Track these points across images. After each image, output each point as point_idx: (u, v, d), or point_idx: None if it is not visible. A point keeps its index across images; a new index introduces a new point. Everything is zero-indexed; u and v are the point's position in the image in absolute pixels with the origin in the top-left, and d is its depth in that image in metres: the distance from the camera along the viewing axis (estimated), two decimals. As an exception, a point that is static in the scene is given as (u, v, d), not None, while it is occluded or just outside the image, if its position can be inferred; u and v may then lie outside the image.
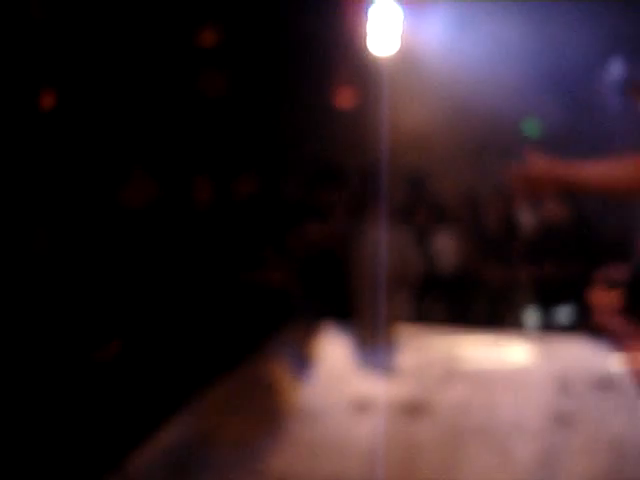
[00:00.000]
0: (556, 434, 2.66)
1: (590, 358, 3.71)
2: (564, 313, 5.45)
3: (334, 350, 3.82)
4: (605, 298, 4.83)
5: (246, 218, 5.14)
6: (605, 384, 3.27)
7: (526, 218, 6.16)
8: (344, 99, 13.31)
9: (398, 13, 10.61)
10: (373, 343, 3.97)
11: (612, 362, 3.61)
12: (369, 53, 10.82)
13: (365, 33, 10.86)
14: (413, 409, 2.92)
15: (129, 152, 4.81)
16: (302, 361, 3.45)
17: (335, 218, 5.35)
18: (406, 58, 11.13)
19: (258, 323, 4.16)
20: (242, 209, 5.27)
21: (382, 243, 5.22)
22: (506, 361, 3.66)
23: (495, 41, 10.68)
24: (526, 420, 2.80)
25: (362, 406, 2.95)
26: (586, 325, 5.09)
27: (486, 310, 5.87)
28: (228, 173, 5.53)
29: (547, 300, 5.62)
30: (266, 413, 2.88)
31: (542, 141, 12.22)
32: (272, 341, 3.95)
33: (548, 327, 5.39)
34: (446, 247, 5.88)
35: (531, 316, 5.88)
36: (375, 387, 3.20)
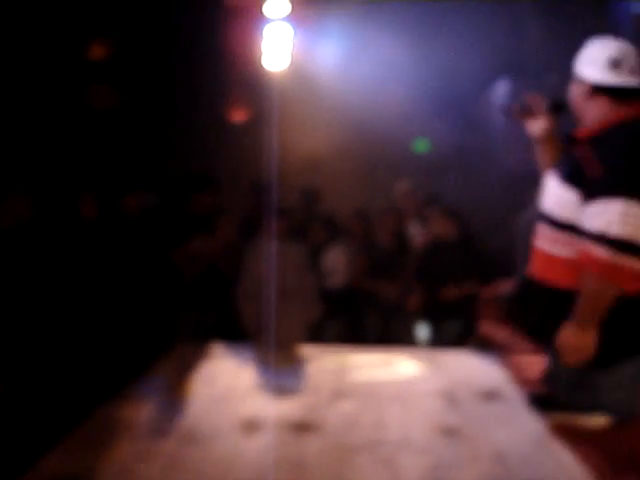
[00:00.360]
0: (443, 447, 2.68)
1: (477, 371, 3.79)
2: (453, 328, 5.55)
3: (224, 370, 3.76)
4: (491, 311, 4.98)
5: (134, 234, 5.00)
6: (491, 396, 3.33)
7: (415, 235, 6.27)
8: (237, 114, 13.26)
9: (290, 31, 10.68)
10: (264, 362, 3.94)
11: (498, 374, 3.71)
12: (263, 69, 10.83)
13: (258, 49, 10.87)
14: (302, 427, 2.89)
15: (5, 169, 4.60)
16: (177, 393, 3.36)
17: (223, 233, 5.26)
18: (298, 75, 11.20)
19: (141, 347, 4.05)
20: (131, 225, 5.13)
21: (274, 259, 5.18)
22: (396, 377, 3.68)
23: (386, 62, 10.90)
24: (414, 434, 2.81)
25: (252, 426, 2.90)
26: (474, 338, 5.23)
27: (377, 326, 5.92)
28: (116, 188, 5.39)
29: (436, 315, 5.71)
30: (149, 440, 2.77)
31: (431, 159, 12.55)
32: (156, 365, 3.85)
33: (437, 342, 5.48)
34: (338, 263, 5.90)
35: (421, 331, 5.97)
36: (265, 407, 3.16)
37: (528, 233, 5.48)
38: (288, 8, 10.88)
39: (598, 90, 2.65)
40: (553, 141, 2.91)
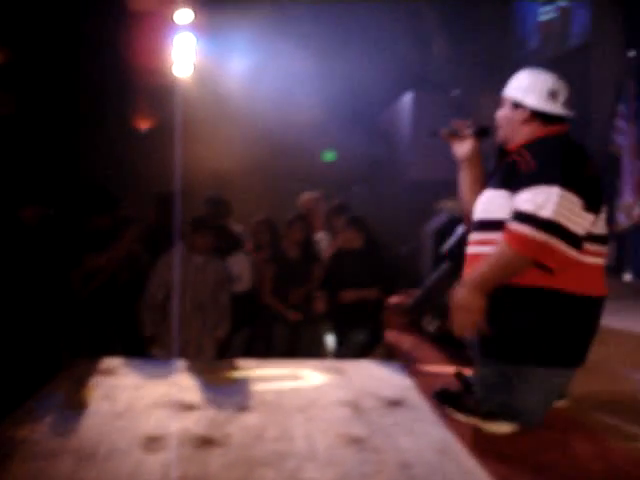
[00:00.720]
0: (349, 458, 2.66)
1: (382, 381, 3.80)
2: (359, 338, 5.57)
3: (124, 386, 3.63)
4: (397, 320, 5.01)
5: (32, 248, 4.82)
6: (396, 405, 3.34)
7: (324, 244, 6.28)
8: (143, 123, 13.02)
9: (195, 39, 10.58)
10: (170, 378, 3.84)
11: (403, 383, 3.72)
12: (169, 77, 10.67)
13: (164, 57, 10.71)
14: (206, 442, 2.81)
15: None
16: (74, 410, 3.23)
17: (125, 245, 5.13)
18: (205, 84, 11.08)
19: (36, 364, 3.89)
20: (29, 237, 4.94)
21: (180, 271, 5.09)
22: (301, 388, 3.64)
23: (294, 73, 10.92)
24: (319, 446, 2.77)
25: (153, 442, 2.80)
26: (380, 347, 5.26)
27: (284, 337, 5.89)
28: (13, 199, 5.18)
29: (342, 325, 5.73)
30: (45, 460, 2.64)
31: (339, 170, 12.63)
32: (53, 383, 3.70)
33: (344, 353, 5.48)
34: (242, 270, 5.85)
35: (328, 342, 5.98)
36: (167, 422, 3.06)
37: (434, 242, 5.58)
38: (192, 16, 10.79)
39: (535, 115, 2.97)
40: (477, 162, 3.21)
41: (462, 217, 5.59)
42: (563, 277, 2.70)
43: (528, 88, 3.00)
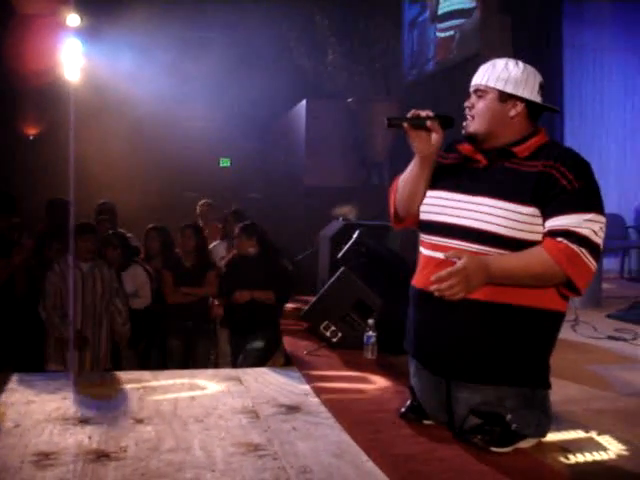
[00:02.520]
0: (248, 465, 2.65)
1: (280, 387, 3.80)
2: (257, 345, 5.55)
3: (15, 402, 3.49)
4: (294, 325, 5.01)
5: None
6: (294, 410, 3.35)
7: (220, 252, 6.25)
8: (31, 128, 12.59)
9: (83, 43, 10.34)
10: (63, 392, 3.72)
11: (301, 389, 3.74)
12: (57, 81, 10.36)
13: (53, 60, 10.39)
14: (100, 455, 2.74)
15: None
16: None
17: (19, 254, 4.95)
18: (96, 89, 10.83)
19: None
20: None
21: (81, 280, 4.96)
22: (198, 398, 3.60)
23: (191, 80, 10.82)
24: (218, 454, 2.76)
25: (47, 458, 2.71)
26: (278, 353, 5.27)
27: (181, 348, 5.84)
28: None
29: (240, 333, 5.70)
30: None
31: (234, 174, 12.59)
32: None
33: (242, 360, 5.46)
34: (140, 284, 5.74)
35: (225, 351, 5.95)
36: (61, 438, 2.97)
37: (330, 248, 5.64)
38: (79, 21, 10.54)
39: (528, 110, 2.79)
40: (434, 158, 2.90)
41: (356, 223, 5.70)
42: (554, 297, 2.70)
43: (521, 79, 2.76)
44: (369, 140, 10.20)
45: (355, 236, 4.80)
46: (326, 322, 4.61)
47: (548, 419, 2.82)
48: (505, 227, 2.63)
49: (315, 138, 10.60)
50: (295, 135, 11.38)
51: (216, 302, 5.89)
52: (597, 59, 8.98)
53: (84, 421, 3.17)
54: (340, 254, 4.84)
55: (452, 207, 2.80)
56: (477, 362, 2.74)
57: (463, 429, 2.80)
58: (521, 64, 2.81)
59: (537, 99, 2.79)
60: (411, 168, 2.94)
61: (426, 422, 3.02)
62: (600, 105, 9.10)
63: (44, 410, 3.36)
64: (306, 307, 5.05)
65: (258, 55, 11.25)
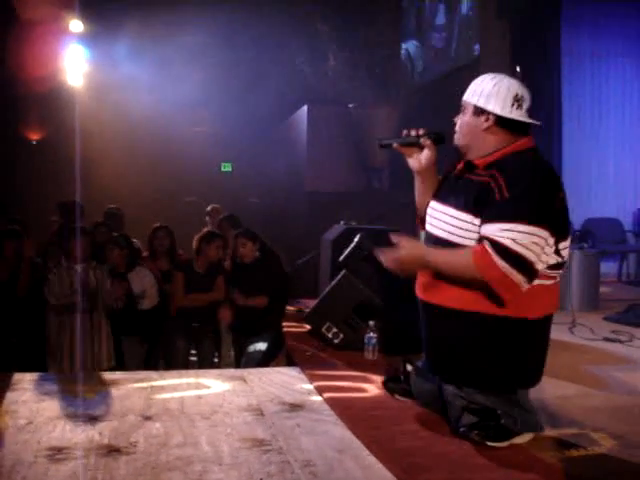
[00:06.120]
0: (253, 459, 2.75)
1: (284, 386, 3.90)
2: (260, 347, 5.65)
3: (26, 401, 3.59)
4: (297, 328, 5.12)
5: None
6: (298, 408, 3.46)
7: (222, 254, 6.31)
8: (35, 133, 12.69)
9: (85, 48, 10.45)
10: (72, 390, 3.82)
11: (304, 388, 3.84)
12: (61, 87, 10.47)
13: (56, 65, 10.50)
14: (112, 450, 2.84)
15: None
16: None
17: (25, 254, 5.05)
18: (98, 93, 10.93)
19: None
20: None
21: (67, 281, 5.04)
22: (205, 396, 3.70)
23: (191, 84, 10.93)
24: (224, 449, 2.86)
25: (59, 453, 2.81)
26: (281, 355, 5.37)
27: (187, 349, 5.91)
28: None
29: (244, 335, 5.79)
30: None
31: (233, 178, 12.70)
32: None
33: (246, 362, 5.55)
34: (147, 285, 5.82)
35: (229, 353, 6.04)
36: (72, 434, 3.06)
37: (332, 252, 5.74)
38: (82, 27, 10.66)
39: (500, 122, 2.87)
40: (434, 171, 3.13)
41: (357, 227, 5.80)
42: (533, 306, 2.82)
43: (491, 93, 2.87)
44: (369, 145, 10.31)
45: (356, 240, 4.89)
46: (328, 324, 4.71)
47: (531, 414, 2.94)
48: (448, 232, 2.87)
49: (316, 143, 10.72)
50: (296, 140, 11.49)
51: (224, 308, 5.90)
52: (595, 65, 9.09)
53: (94, 418, 3.27)
54: (341, 257, 4.93)
55: (429, 215, 3.05)
56: (457, 366, 2.93)
57: (459, 425, 2.92)
58: (497, 77, 2.91)
59: (509, 111, 2.85)
60: (415, 182, 3.19)
61: (399, 398, 3.43)
62: (599, 111, 9.21)
63: (55, 408, 3.46)
64: (308, 310, 5.14)
65: (260, 61, 11.35)
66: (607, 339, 5.22)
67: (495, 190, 2.72)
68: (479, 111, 2.89)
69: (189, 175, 12.82)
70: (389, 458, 2.73)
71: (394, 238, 2.89)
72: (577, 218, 8.18)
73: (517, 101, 2.86)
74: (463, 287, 2.81)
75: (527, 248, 2.64)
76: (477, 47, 9.02)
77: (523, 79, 8.01)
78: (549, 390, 3.70)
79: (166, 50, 11.05)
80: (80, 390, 3.81)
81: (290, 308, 5.95)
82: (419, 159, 3.11)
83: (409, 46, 11.20)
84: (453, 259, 2.80)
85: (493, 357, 2.85)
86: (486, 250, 2.67)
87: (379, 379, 3.85)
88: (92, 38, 11.31)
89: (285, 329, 5.44)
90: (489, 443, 2.82)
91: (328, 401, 3.54)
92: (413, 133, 3.10)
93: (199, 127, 12.89)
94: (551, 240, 2.72)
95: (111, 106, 11.86)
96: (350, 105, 10.68)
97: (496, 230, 2.66)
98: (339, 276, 4.82)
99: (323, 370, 4.20)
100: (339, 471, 2.65)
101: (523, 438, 2.89)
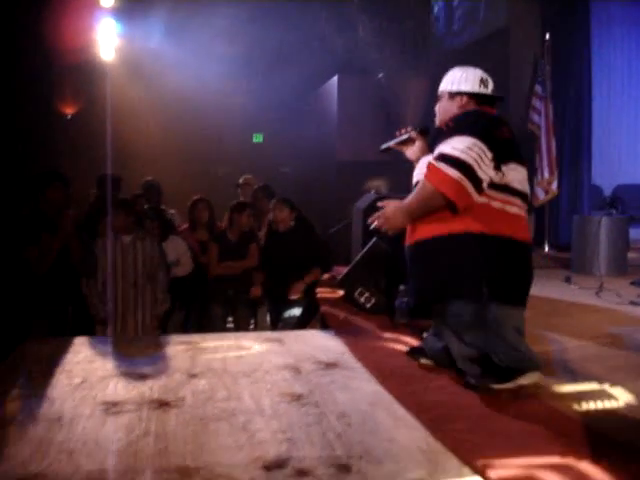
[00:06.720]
0: (292, 411, 2.98)
1: (318, 347, 4.15)
2: (295, 313, 5.87)
3: (79, 361, 3.86)
4: (330, 293, 5.31)
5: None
6: (332, 366, 3.68)
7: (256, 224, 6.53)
8: (70, 107, 12.93)
9: (118, 22, 10.60)
10: (121, 352, 4.08)
11: (337, 349, 4.07)
12: (93, 60, 10.67)
13: (89, 40, 10.69)
14: (161, 405, 3.08)
15: None
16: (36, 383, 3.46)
17: (67, 228, 5.27)
18: (133, 69, 11.12)
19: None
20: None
21: (124, 252, 5.29)
22: (245, 356, 3.94)
23: (220, 58, 11.07)
24: (265, 403, 3.09)
25: (113, 407, 3.06)
26: (315, 320, 5.58)
27: (224, 314, 6.15)
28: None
29: (279, 302, 6.02)
30: (13, 425, 2.87)
31: (265, 148, 12.84)
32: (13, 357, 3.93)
33: (281, 328, 5.79)
34: (181, 253, 6.04)
35: (264, 319, 6.27)
36: (124, 391, 3.32)
37: (363, 220, 5.92)
38: (113, 1, 10.82)
39: (471, 99, 3.42)
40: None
41: (388, 195, 5.96)
42: (491, 223, 3.15)
43: (461, 78, 3.44)
44: (399, 114, 10.41)
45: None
46: (360, 289, 4.91)
47: (519, 352, 3.16)
48: (418, 175, 3.42)
49: (346, 113, 10.85)
50: (327, 111, 11.62)
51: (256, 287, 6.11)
52: (625, 34, 9.07)
53: (144, 377, 3.53)
54: (372, 226, 5.11)
55: (415, 173, 3.56)
56: (433, 285, 3.28)
57: (467, 379, 3.24)
58: (464, 68, 3.50)
59: (477, 90, 3.42)
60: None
61: (423, 361, 3.61)
62: (628, 78, 9.22)
63: (106, 367, 3.73)
64: (341, 276, 5.34)
65: (290, 33, 11.45)
66: (633, 302, 5.34)
67: (444, 128, 3.32)
68: (453, 95, 3.45)
69: (221, 146, 13.01)
70: (417, 410, 2.94)
71: (380, 204, 3.41)
72: (607, 185, 8.26)
73: (483, 82, 3.44)
74: (432, 221, 3.21)
75: (463, 152, 3.08)
76: (506, 14, 9.04)
77: (552, 48, 8.09)
78: (571, 349, 3.89)
79: (197, 24, 11.18)
80: (128, 352, 4.09)
81: (323, 275, 6.15)
82: (413, 150, 3.65)
83: (438, 14, 11.22)
84: (418, 191, 3.26)
85: (463, 268, 3.17)
86: (431, 163, 3.18)
87: (410, 340, 4.06)
88: (124, 12, 11.47)
89: (319, 295, 5.65)
90: (495, 386, 3.12)
91: (361, 360, 3.76)
92: (403, 131, 3.70)
93: (230, 98, 13.03)
94: (489, 154, 3.10)
95: (144, 79, 12.04)
96: (380, 75, 10.77)
97: (440, 147, 3.19)
98: (370, 243, 5.01)
99: (356, 332, 4.42)
100: (371, 422, 2.87)
101: (529, 378, 3.15)
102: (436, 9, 11.28)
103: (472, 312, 3.15)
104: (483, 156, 3.08)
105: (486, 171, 3.10)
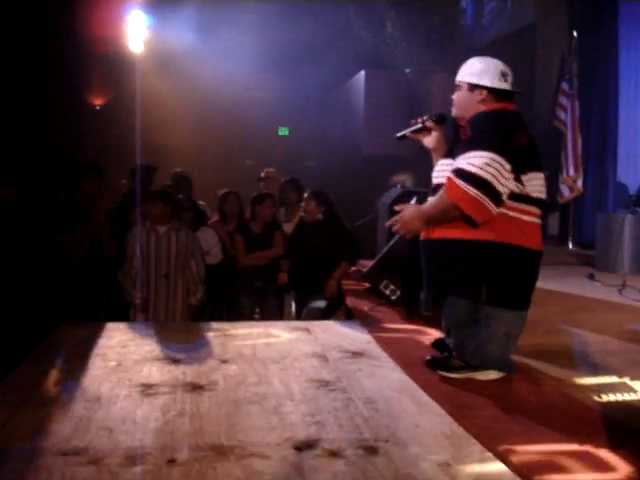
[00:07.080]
0: (320, 396, 3.10)
1: (345, 336, 4.27)
2: (321, 304, 5.98)
3: (114, 345, 4.01)
4: (355, 285, 5.42)
5: (12, 222, 5.11)
6: (358, 355, 3.80)
7: (279, 216, 6.64)
8: (100, 98, 13.11)
9: (147, 15, 10.73)
10: (154, 338, 4.22)
11: (363, 338, 4.18)
12: (123, 52, 10.82)
13: (119, 32, 10.84)
14: (195, 387, 3.22)
15: None
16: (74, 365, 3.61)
17: (100, 218, 5.42)
18: (161, 61, 11.24)
19: (30, 326, 4.25)
20: (7, 213, 5.23)
21: (157, 243, 5.42)
22: (274, 343, 4.06)
23: (250, 51, 11.17)
24: (294, 388, 3.22)
25: (149, 389, 3.20)
26: (340, 311, 5.69)
27: (251, 304, 6.27)
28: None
29: (305, 293, 6.12)
30: (54, 404, 3.02)
31: (290, 142, 12.92)
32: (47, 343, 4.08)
33: (306, 318, 5.90)
34: (211, 243, 6.16)
35: (291, 309, 6.39)
36: (158, 374, 3.46)
37: (389, 214, 6.01)
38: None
39: (491, 93, 3.38)
40: (444, 145, 3.67)
41: (413, 190, 6.05)
42: (505, 231, 3.20)
43: (482, 71, 3.39)
44: (426, 109, 10.47)
45: (412, 202, 5.15)
46: (385, 281, 5.01)
47: (491, 352, 3.26)
48: (437, 177, 3.48)
49: (373, 108, 10.93)
50: (354, 105, 11.70)
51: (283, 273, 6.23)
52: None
53: (177, 361, 3.67)
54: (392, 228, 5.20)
55: (435, 171, 3.58)
56: (438, 281, 3.40)
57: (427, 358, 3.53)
58: (485, 59, 3.47)
59: (497, 84, 3.37)
60: (433, 159, 3.74)
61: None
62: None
63: (140, 352, 3.87)
64: (366, 268, 5.44)
65: (318, 28, 11.53)
66: (655, 300, 5.39)
67: (462, 129, 3.36)
68: (473, 87, 3.40)
69: (247, 139, 13.14)
70: (441, 398, 3.05)
71: (398, 208, 3.46)
72: (632, 183, 8.26)
73: (503, 76, 3.39)
74: (447, 224, 3.26)
75: (481, 168, 3.09)
76: (533, 10, 9.06)
77: (579, 45, 8.10)
78: (593, 343, 3.97)
79: (225, 19, 11.29)
80: (161, 337, 4.23)
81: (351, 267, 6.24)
82: (430, 139, 3.70)
83: (466, 10, 11.26)
84: (437, 202, 3.29)
85: (467, 270, 3.24)
86: (450, 178, 3.19)
87: (433, 332, 4.15)
88: (154, 5, 11.61)
89: (344, 287, 5.75)
90: (441, 373, 3.35)
91: (386, 350, 3.87)
92: (419, 120, 3.70)
93: (257, 92, 13.14)
94: (508, 166, 3.12)
95: (172, 72, 12.17)
96: (407, 70, 10.83)
97: (459, 161, 3.18)
98: (396, 237, 5.11)
99: (381, 324, 4.53)
100: (397, 407, 2.98)
101: (485, 375, 3.27)
102: (464, 4, 11.31)
103: (467, 311, 3.26)
104: (501, 169, 3.10)
105: (505, 184, 3.13)
